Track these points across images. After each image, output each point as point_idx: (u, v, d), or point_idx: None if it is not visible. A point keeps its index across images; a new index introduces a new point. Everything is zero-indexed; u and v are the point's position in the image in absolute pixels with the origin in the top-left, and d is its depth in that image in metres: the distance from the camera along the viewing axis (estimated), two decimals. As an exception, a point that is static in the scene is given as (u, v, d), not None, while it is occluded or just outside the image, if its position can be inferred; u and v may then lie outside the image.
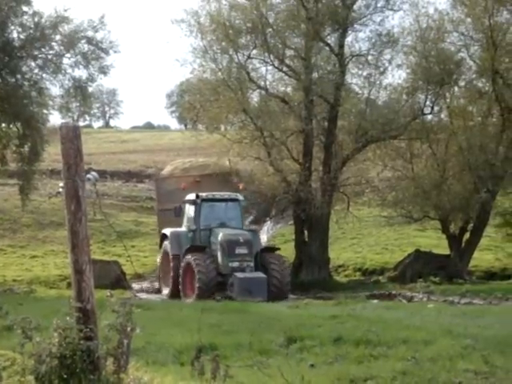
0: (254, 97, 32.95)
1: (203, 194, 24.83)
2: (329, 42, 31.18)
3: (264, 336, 9.90)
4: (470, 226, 29.81)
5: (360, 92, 32.46)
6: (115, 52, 30.40)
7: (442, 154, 29.85)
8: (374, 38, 31.29)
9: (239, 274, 22.84)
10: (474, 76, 31.03)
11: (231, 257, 23.36)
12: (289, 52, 31.08)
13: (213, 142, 31.54)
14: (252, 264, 23.51)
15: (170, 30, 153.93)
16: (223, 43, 30.61)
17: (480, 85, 30.91)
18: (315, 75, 30.65)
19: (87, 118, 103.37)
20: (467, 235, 29.83)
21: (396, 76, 72.26)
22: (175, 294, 23.97)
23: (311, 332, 10.18)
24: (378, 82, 31.64)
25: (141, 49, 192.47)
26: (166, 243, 25.30)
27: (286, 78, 31.64)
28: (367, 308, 14.63)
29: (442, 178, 29.06)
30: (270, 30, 30.32)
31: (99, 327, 4.97)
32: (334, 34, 31.27)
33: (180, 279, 23.93)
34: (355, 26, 31.29)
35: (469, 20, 29.90)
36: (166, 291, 25.22)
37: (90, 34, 29.85)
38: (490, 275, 30.88)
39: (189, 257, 23.41)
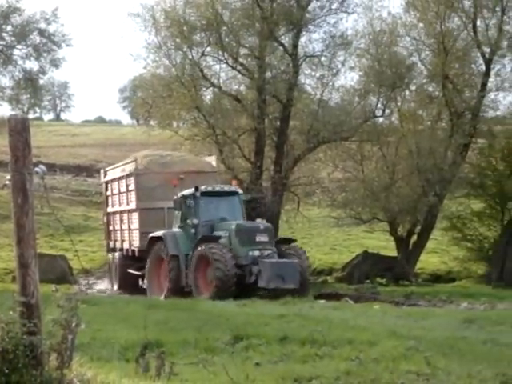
0: (207, 94, 32.93)
1: (202, 187, 22.74)
2: (283, 41, 31.28)
3: (210, 334, 9.90)
4: (418, 228, 30.21)
5: (313, 93, 32.67)
6: (68, 45, 30.18)
7: (392, 157, 30.18)
8: (327, 39, 31.52)
9: (269, 260, 20.83)
10: (424, 80, 31.45)
11: (251, 245, 21.25)
12: (243, 50, 31.10)
13: (165, 138, 31.43)
14: (274, 253, 21.43)
15: (124, 25, 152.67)
16: (177, 39, 30.51)
17: (430, 89, 31.34)
18: (269, 74, 30.74)
19: (37, 110, 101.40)
20: (414, 238, 30.21)
21: (348, 78, 72.91)
22: (174, 294, 21.19)
23: (258, 331, 10.20)
24: (330, 84, 31.88)
25: (94, 42, 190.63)
26: (158, 246, 22.81)
27: (240, 76, 31.67)
28: (314, 308, 14.72)
29: (392, 180, 29.40)
30: (225, 28, 30.30)
31: (43, 322, 4.92)
32: (289, 34, 31.39)
33: (186, 278, 21.68)
34: (309, 26, 31.47)
35: (421, 25, 30.30)
36: (159, 293, 22.46)
37: (42, 26, 29.55)
38: (436, 278, 31.34)
39: (202, 247, 21.14)
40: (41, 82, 31.73)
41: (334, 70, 31.65)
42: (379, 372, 7.66)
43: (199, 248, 21.25)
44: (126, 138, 62.56)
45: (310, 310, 14.05)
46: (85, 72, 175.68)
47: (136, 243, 25.27)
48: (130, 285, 25.17)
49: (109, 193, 28.85)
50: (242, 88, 32.39)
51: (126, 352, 8.56)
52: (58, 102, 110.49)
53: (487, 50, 29.13)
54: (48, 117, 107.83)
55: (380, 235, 33.44)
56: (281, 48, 31.16)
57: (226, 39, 30.38)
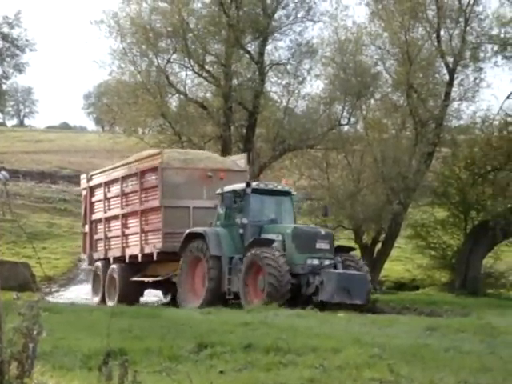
0: (173, 101, 32.90)
1: (254, 184, 20.64)
2: (249, 49, 31.37)
3: (174, 342, 9.85)
4: (382, 236, 30.39)
5: (279, 100, 32.79)
6: (31, 50, 29.88)
7: (357, 165, 30.35)
8: (293, 47, 31.70)
9: (334, 270, 18.73)
10: (389, 89, 31.70)
11: (311, 252, 19.02)
12: (209, 58, 31.12)
13: (130, 145, 31.30)
14: (339, 262, 19.31)
15: (88, 30, 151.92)
16: (143, 46, 30.44)
17: (395, 98, 31.60)
18: (235, 82, 30.80)
19: (0, 115, 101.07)
20: (379, 246, 30.38)
21: (314, 86, 72.56)
22: (212, 302, 19.00)
23: (222, 338, 10.17)
24: (296, 91, 32.04)
25: (59, 47, 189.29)
26: (195, 245, 20.34)
27: (206, 83, 31.68)
28: (279, 315, 14.71)
29: (357, 188, 29.55)
30: (191, 34, 30.31)
31: (4, 330, 4.86)
32: (255, 41, 31.49)
33: (229, 284, 19.50)
34: (275, 34, 31.63)
35: (386, 34, 30.55)
36: (194, 301, 20.10)
37: (5, 30, 29.24)
38: (400, 285, 31.53)
39: (253, 251, 18.84)
40: (4, 87, 31.41)
41: (300, 78, 31.84)
42: (343, 379, 7.68)
43: (250, 252, 18.93)
44: (90, 144, 62.19)
45: (274, 317, 14.05)
46: (49, 77, 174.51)
47: (159, 245, 22.31)
48: (132, 295, 22.67)
49: (98, 198, 25.96)
50: (208, 95, 32.41)
51: (88, 360, 8.48)
52: (21, 107, 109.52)
53: (451, 59, 29.45)
54: (11, 122, 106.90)
55: (345, 243, 33.57)
56: (247, 56, 31.24)
57: (192, 46, 30.38)
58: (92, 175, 26.74)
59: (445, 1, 29.67)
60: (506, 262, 30.58)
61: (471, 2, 29.30)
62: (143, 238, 23.16)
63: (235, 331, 11.13)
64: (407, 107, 29.77)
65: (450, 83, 29.56)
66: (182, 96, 31.56)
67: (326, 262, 18.94)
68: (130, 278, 23.26)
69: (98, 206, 25.88)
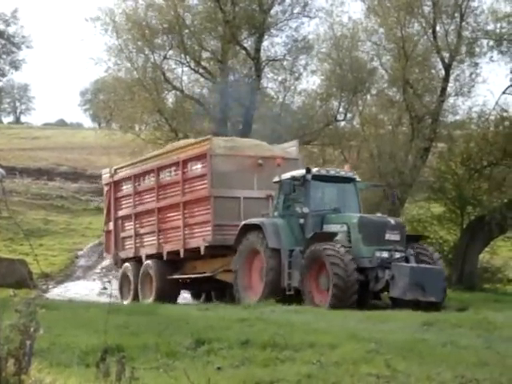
0: (170, 97, 32.91)
1: (314, 169, 19.00)
2: (245, 45, 31.39)
3: (172, 338, 9.86)
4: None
5: (275, 96, 32.85)
6: (28, 47, 30.01)
7: (354, 161, 30.36)
8: (289, 43, 31.76)
9: (406, 264, 17.08)
10: (385, 85, 31.72)
11: (379, 244, 17.40)
12: (205, 54, 31.15)
13: (127, 141, 31.30)
14: (411, 255, 17.64)
15: (84, 27, 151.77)
16: (139, 43, 30.45)
17: (391, 94, 31.61)
18: (231, 78, 30.83)
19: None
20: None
21: (310, 82, 72.90)
22: (271, 297, 17.43)
23: (219, 334, 10.18)
24: (292, 87, 32.12)
25: (55, 44, 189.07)
26: (252, 237, 18.74)
27: (202, 79, 31.72)
28: (276, 311, 14.73)
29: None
30: (187, 31, 30.33)
31: (1, 327, 4.87)
32: (251, 37, 31.52)
33: (290, 279, 17.90)
34: (272, 30, 31.69)
35: (381, 30, 30.57)
36: (251, 296, 18.56)
37: (1, 27, 29.29)
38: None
39: (315, 247, 17.24)
40: (0, 84, 31.38)
41: (296, 74, 31.92)
42: (340, 375, 7.70)
43: (311, 248, 17.36)
44: (87, 141, 62.10)
45: (271, 313, 14.07)
46: (45, 74, 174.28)
47: (208, 238, 20.56)
48: (170, 294, 21.40)
49: (125, 192, 24.21)
50: (205, 91, 32.46)
51: (86, 357, 8.48)
52: (17, 104, 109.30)
53: (446, 55, 29.46)
54: (8, 119, 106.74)
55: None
56: (243, 52, 31.27)
57: (189, 42, 30.40)
58: (116, 169, 25.08)
59: (440, -4, 29.67)
60: (502, 256, 30.62)
61: (467, -2, 29.31)
62: (187, 231, 21.45)
63: (232, 327, 11.15)
64: (403, 103, 29.79)
65: (446, 78, 29.58)
66: (178, 92, 31.58)
67: (397, 255, 17.27)
68: (167, 276, 21.77)
69: (126, 202, 24.18)
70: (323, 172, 19.26)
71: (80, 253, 35.92)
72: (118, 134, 32.54)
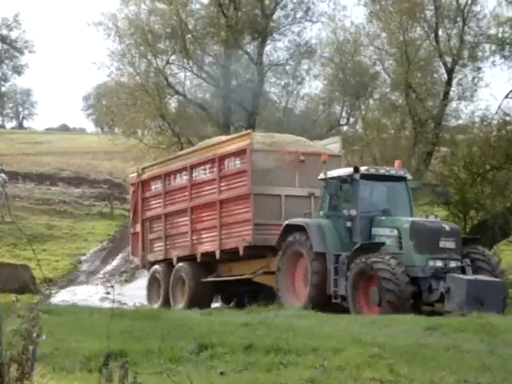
0: (172, 102, 33.01)
1: (362, 168, 17.66)
2: (248, 50, 31.48)
3: (175, 343, 9.85)
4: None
5: (278, 101, 32.90)
6: (30, 52, 30.19)
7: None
8: (292, 48, 31.84)
9: (462, 276, 15.81)
10: (388, 89, 31.76)
11: (433, 252, 16.07)
12: (208, 59, 31.24)
13: (129, 146, 31.34)
14: (468, 266, 16.33)
15: (87, 32, 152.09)
16: (142, 47, 30.53)
17: (394, 98, 31.65)
18: (234, 83, 30.88)
19: None
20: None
21: (313, 86, 72.81)
22: (316, 304, 16.24)
23: (222, 339, 10.17)
24: (295, 92, 32.19)
25: (57, 49, 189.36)
26: (295, 239, 17.54)
27: (205, 84, 31.78)
28: (279, 316, 14.72)
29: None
30: (190, 36, 30.41)
31: (4, 333, 4.87)
32: (253, 42, 31.61)
33: (336, 286, 16.70)
34: (274, 35, 31.78)
35: (384, 35, 30.63)
36: (294, 301, 17.48)
37: (3, 32, 29.36)
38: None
39: (362, 260, 15.99)
40: (3, 89, 31.56)
41: (299, 79, 31.99)
42: (343, 379, 7.69)
43: (359, 259, 16.05)
44: (90, 146, 62.15)
45: (274, 318, 14.06)
46: (48, 79, 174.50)
47: (248, 238, 19.37)
48: (204, 298, 20.63)
49: (154, 192, 23.02)
50: (207, 96, 32.51)
51: (89, 362, 8.48)
52: (20, 109, 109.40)
53: (449, 59, 29.51)
54: (10, 124, 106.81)
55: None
56: (246, 56, 31.33)
57: (191, 47, 30.48)
58: (144, 168, 23.96)
59: (443, 1, 29.74)
60: (505, 260, 30.55)
61: (469, 2, 29.39)
62: (224, 232, 20.28)
63: (235, 332, 11.13)
64: (406, 107, 29.81)
65: (449, 83, 29.60)
66: (180, 97, 31.65)
67: (452, 264, 16.00)
68: (201, 279, 20.67)
69: (155, 202, 22.97)
70: (372, 171, 17.79)
71: (83, 258, 35.89)
72: (120, 138, 32.59)
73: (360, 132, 31.90)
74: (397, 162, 18.70)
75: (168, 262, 22.08)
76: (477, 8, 29.75)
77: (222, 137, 23.00)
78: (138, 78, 30.93)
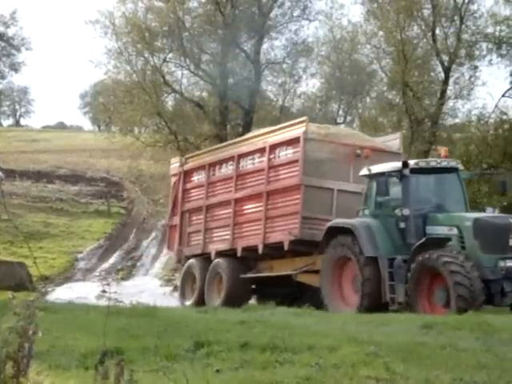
0: (169, 100, 33.02)
1: (411, 162, 16.22)
2: (245, 48, 31.48)
3: (171, 340, 9.85)
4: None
5: (275, 99, 32.90)
6: (27, 49, 30.12)
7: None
8: (289, 46, 31.86)
9: None
10: (385, 88, 31.82)
11: (502, 251, 14.82)
12: (205, 57, 31.22)
13: (126, 144, 31.33)
14: None
15: (84, 30, 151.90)
16: (138, 45, 30.52)
17: (391, 97, 31.70)
18: (231, 81, 30.88)
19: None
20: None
21: (310, 85, 72.89)
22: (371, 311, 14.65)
23: (219, 337, 10.17)
24: (292, 90, 32.20)
25: (54, 47, 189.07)
26: (341, 242, 16.29)
27: (202, 82, 31.78)
28: (275, 314, 14.72)
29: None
30: (187, 34, 30.40)
31: (0, 330, 4.87)
32: (251, 40, 31.62)
33: (393, 292, 15.29)
34: (271, 33, 31.77)
35: (381, 33, 30.69)
36: (344, 308, 16.29)
37: (0, 29, 29.29)
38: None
39: (426, 255, 14.69)
40: (0, 86, 31.38)
41: (296, 77, 32.03)
42: (339, 378, 7.69)
43: (421, 256, 14.74)
44: (87, 144, 62.11)
45: (271, 316, 14.07)
46: (45, 77, 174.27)
47: (295, 231, 18.08)
48: (242, 296, 19.16)
49: (196, 183, 21.87)
50: (204, 94, 32.51)
51: (85, 360, 8.48)
52: (17, 107, 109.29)
53: (446, 58, 29.56)
54: (7, 122, 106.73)
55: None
56: (243, 54, 31.33)
57: (188, 45, 30.47)
58: (188, 158, 22.80)
59: (440, -1, 29.78)
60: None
61: (466, 1, 29.46)
62: (269, 224, 19.03)
63: (232, 330, 11.14)
64: (403, 105, 29.86)
65: (446, 81, 29.65)
66: (177, 95, 31.65)
67: None
68: (240, 275, 19.49)
69: (196, 193, 21.84)
70: (422, 164, 16.38)
71: (79, 255, 35.91)
72: (117, 136, 32.57)
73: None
74: (443, 150, 17.40)
75: (205, 257, 20.90)
76: (474, 7, 29.85)
77: (277, 125, 21.63)
78: (134, 75, 30.92)
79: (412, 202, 15.69)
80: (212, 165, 21.16)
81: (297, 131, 18.41)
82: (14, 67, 29.82)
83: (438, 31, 29.63)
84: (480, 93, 30.97)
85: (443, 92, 29.64)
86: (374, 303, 15.24)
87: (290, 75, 31.99)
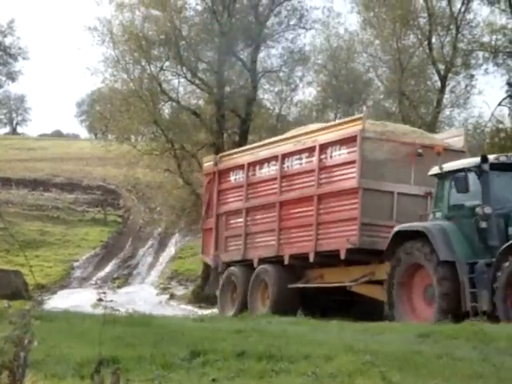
0: (166, 109, 33.03)
1: (491, 157, 14.87)
2: (241, 57, 31.51)
3: (167, 349, 9.83)
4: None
5: (271, 108, 32.93)
6: (24, 59, 30.10)
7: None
8: (285, 54, 31.90)
9: None
10: (381, 96, 31.89)
11: None
12: (201, 65, 31.26)
13: (122, 152, 31.34)
14: None
15: (81, 38, 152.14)
16: (136, 54, 30.54)
17: (387, 105, 31.76)
18: (227, 89, 30.91)
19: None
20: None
21: (307, 93, 72.98)
22: (452, 317, 13.64)
23: (215, 346, 10.15)
24: (289, 99, 32.23)
25: (51, 55, 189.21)
26: (412, 247, 14.94)
27: (199, 91, 31.80)
28: (272, 323, 14.71)
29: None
30: (184, 42, 30.44)
31: (-5, 339, 4.87)
32: (247, 49, 31.66)
33: (475, 301, 14.06)
34: (268, 42, 31.83)
35: (377, 42, 30.77)
36: (413, 320, 14.89)
37: (-2, 38, 29.29)
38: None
39: None
40: (-4, 95, 31.41)
41: (293, 86, 32.05)
42: (335, 387, 7.69)
43: (509, 261, 13.48)
44: (83, 152, 62.09)
45: (267, 324, 14.05)
46: (42, 85, 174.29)
47: (353, 239, 16.68)
48: (289, 306, 17.56)
49: (233, 184, 20.42)
50: (201, 102, 32.52)
51: (81, 369, 8.45)
52: (14, 115, 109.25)
53: (442, 67, 29.65)
54: (4, 130, 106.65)
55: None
56: (239, 63, 31.37)
57: (185, 54, 30.50)
58: (222, 156, 21.42)
59: (436, 8, 29.86)
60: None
61: (462, 10, 29.55)
62: (321, 230, 17.62)
63: (228, 338, 11.11)
64: (399, 114, 29.91)
65: (442, 90, 29.73)
66: (174, 103, 31.66)
67: None
68: (288, 285, 18.11)
69: (234, 194, 20.36)
70: (503, 159, 14.91)
71: (76, 264, 35.89)
72: (114, 145, 32.58)
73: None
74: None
75: (247, 264, 19.46)
76: (470, 16, 29.96)
77: (327, 123, 20.30)
78: (131, 84, 30.95)
79: (492, 199, 14.45)
80: (251, 164, 19.66)
81: (352, 129, 16.95)
82: (11, 76, 29.96)
83: (434, 40, 29.73)
84: (476, 101, 31.15)
85: (439, 101, 29.71)
86: (453, 313, 13.86)
87: (286, 83, 32.05)
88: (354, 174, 16.83)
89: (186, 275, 35.24)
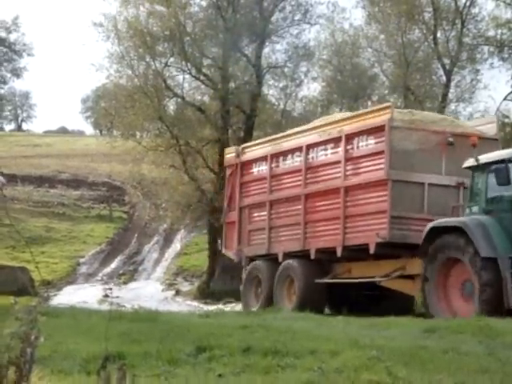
0: (171, 105, 33.00)
1: None
2: (246, 52, 31.48)
3: (173, 345, 9.85)
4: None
5: (276, 103, 32.91)
6: (29, 55, 30.13)
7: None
8: (290, 50, 31.86)
9: None
10: (386, 91, 31.83)
11: None
12: (206, 61, 31.24)
13: (128, 148, 31.34)
14: None
15: (86, 34, 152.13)
16: (140, 50, 30.53)
17: (392, 100, 31.68)
18: (232, 85, 30.89)
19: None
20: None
21: (311, 89, 72.98)
22: (494, 314, 12.94)
23: (221, 341, 10.17)
24: (293, 94, 32.18)
25: (56, 51, 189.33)
26: (449, 242, 14.42)
27: (203, 86, 31.78)
28: (277, 318, 14.72)
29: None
30: (188, 38, 30.42)
31: (1, 335, 4.88)
32: (252, 44, 31.62)
33: None
34: (272, 37, 31.78)
35: (382, 37, 30.71)
36: (454, 314, 14.34)
37: (2, 35, 29.36)
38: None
39: None
40: (2, 91, 31.57)
41: (297, 81, 32.01)
42: (341, 382, 7.69)
43: None
44: (88, 148, 62.16)
45: (273, 320, 14.06)
46: (47, 82, 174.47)
47: (383, 233, 16.06)
48: (317, 302, 17.35)
49: (256, 176, 19.90)
50: (206, 98, 32.50)
51: (87, 365, 8.48)
52: (19, 112, 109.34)
53: (447, 61, 29.58)
54: (9, 127, 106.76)
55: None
56: (244, 59, 31.34)
57: (190, 50, 30.48)
58: (245, 148, 20.80)
59: (441, 3, 29.80)
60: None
61: (467, 4, 29.47)
62: (349, 224, 17.11)
63: (234, 334, 11.14)
64: (404, 109, 29.87)
65: (447, 85, 29.67)
66: (179, 99, 31.65)
67: None
68: (315, 280, 17.69)
69: (257, 187, 19.85)
70: None
71: (81, 260, 35.96)
72: (119, 141, 32.59)
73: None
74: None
75: (271, 258, 19.03)
76: (475, 10, 29.88)
77: (354, 112, 19.79)
78: (136, 80, 30.94)
79: None
80: (275, 155, 19.19)
81: (380, 118, 16.41)
82: (16, 72, 29.98)
83: (439, 34, 29.68)
84: (482, 96, 30.98)
85: (445, 95, 29.66)
86: (495, 310, 13.33)
87: (291, 79, 32.01)
88: (382, 165, 16.33)
89: (191, 271, 35.28)
